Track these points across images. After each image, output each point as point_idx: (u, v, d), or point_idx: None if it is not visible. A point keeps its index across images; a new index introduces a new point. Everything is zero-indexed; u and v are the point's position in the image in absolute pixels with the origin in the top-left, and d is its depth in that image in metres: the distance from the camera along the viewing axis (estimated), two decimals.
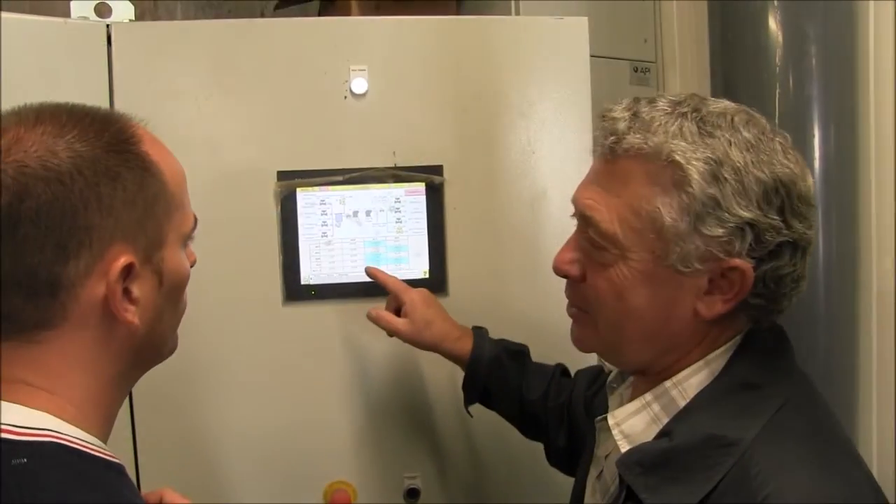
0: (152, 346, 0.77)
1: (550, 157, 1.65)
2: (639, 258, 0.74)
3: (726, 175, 0.71)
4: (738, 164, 0.72)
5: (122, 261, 0.70)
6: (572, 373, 1.32)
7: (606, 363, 1.04)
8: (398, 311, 1.33)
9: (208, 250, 1.25)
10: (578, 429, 1.16)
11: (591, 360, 1.40)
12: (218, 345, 1.55)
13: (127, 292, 0.72)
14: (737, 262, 0.73)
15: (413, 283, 1.67)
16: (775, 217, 0.73)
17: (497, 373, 1.25)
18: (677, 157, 0.71)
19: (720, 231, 0.71)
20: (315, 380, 1.59)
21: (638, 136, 0.74)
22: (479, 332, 1.32)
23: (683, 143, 0.72)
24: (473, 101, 1.60)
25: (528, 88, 1.58)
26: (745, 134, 0.74)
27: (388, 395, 1.59)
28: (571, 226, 0.93)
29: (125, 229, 0.71)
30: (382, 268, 1.56)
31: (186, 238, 0.80)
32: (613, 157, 0.77)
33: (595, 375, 1.18)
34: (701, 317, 0.75)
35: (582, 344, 0.88)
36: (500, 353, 1.26)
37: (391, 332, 1.31)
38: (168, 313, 0.79)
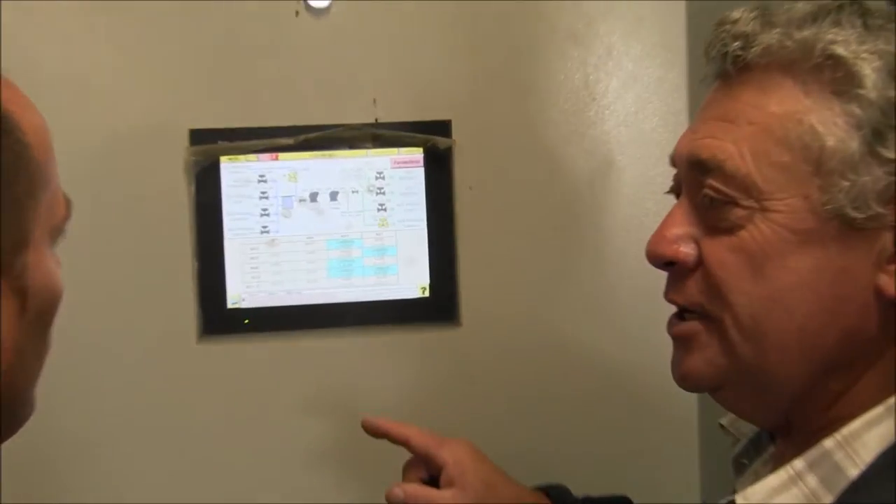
0: (3, 407, 0.56)
1: (621, 106, 1.15)
2: (786, 207, 0.55)
3: None
4: None
5: None
6: None
7: (730, 424, 0.74)
8: (433, 481, 0.80)
9: (85, 254, 1.04)
10: None
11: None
12: (97, 404, 1.08)
13: None
14: None
15: (406, 306, 1.07)
16: None
17: None
18: (839, 51, 0.55)
19: None
20: (248, 455, 1.11)
21: (776, 31, 0.56)
22: (558, 492, 0.84)
23: (844, 33, 0.55)
24: (496, 20, 1.12)
25: None
26: None
27: (352, 474, 1.10)
28: (656, 214, 0.66)
29: None
30: (355, 286, 0.95)
31: (57, 233, 0.58)
32: (740, 73, 0.58)
33: None
34: (886, 297, 0.55)
35: (699, 375, 0.60)
36: None
37: None
38: (30, 354, 0.57)
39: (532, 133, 1.12)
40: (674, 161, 0.61)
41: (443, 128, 1.10)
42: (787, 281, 0.56)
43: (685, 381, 0.62)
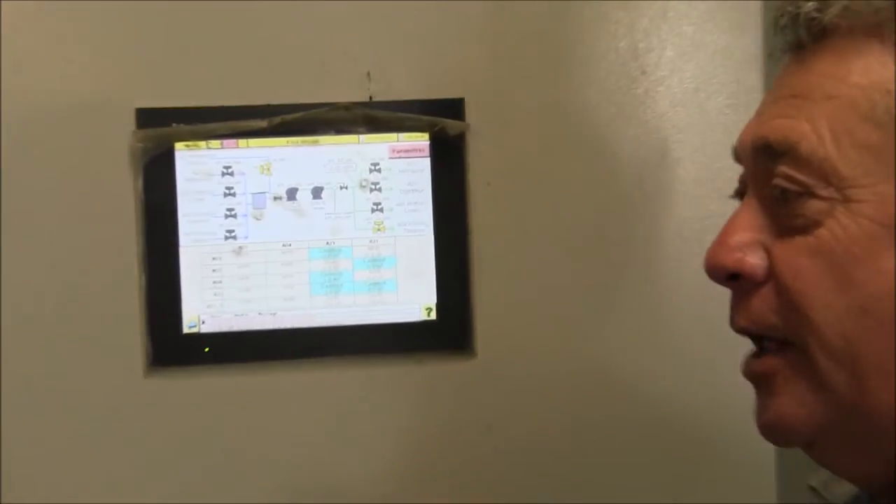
0: None
1: (678, 82, 0.92)
2: (874, 196, 0.48)
3: None
4: None
5: None
6: None
7: (823, 486, 0.70)
8: None
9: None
10: None
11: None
12: (23, 448, 0.87)
13: None
14: None
15: (407, 332, 0.88)
16: None
17: None
18: None
19: None
20: None
21: None
22: None
23: None
24: None
25: None
26: None
27: None
28: (722, 217, 0.52)
29: None
30: (343, 306, 0.81)
31: None
32: (815, 40, 0.51)
33: None
34: None
35: (788, 423, 0.52)
36: None
37: None
38: None
39: (566, 116, 0.89)
40: (737, 155, 0.54)
41: (454, 108, 0.88)
42: (879, 287, 0.50)
43: (771, 431, 0.54)
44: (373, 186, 0.88)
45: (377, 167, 0.88)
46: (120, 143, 0.85)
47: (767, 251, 0.53)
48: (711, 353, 0.87)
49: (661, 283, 0.89)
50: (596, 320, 0.90)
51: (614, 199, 0.90)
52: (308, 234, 0.88)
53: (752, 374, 0.54)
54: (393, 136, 0.88)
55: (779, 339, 0.52)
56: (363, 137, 0.88)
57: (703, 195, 0.89)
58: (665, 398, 0.89)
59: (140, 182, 0.86)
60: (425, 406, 0.89)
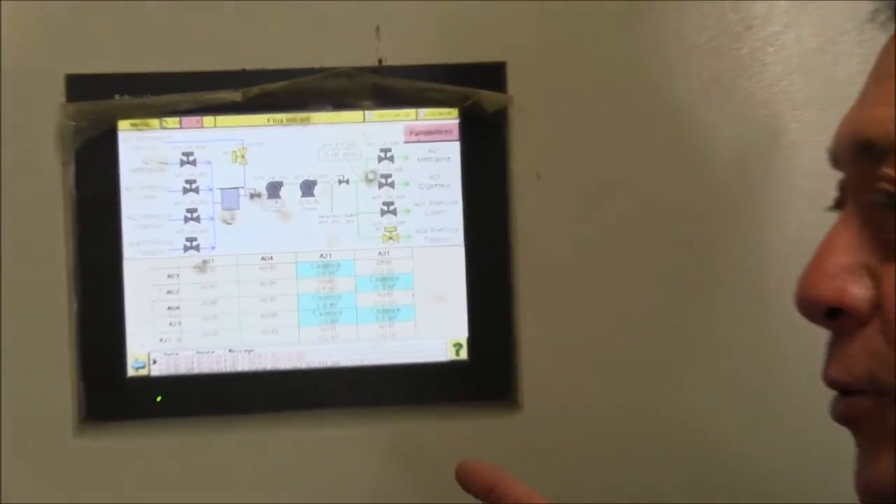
0: None
1: (793, 41, 0.69)
2: None
3: None
4: None
5: None
6: None
7: None
8: None
9: None
10: None
11: None
12: None
13: None
14: None
15: (429, 375, 0.68)
16: None
17: None
18: None
19: None
20: None
21: None
22: None
23: None
24: None
25: None
26: None
27: None
28: None
29: None
30: (343, 340, 0.66)
31: None
32: None
33: None
34: None
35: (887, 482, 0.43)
36: None
37: None
38: None
39: (641, 86, 0.67)
40: (835, 155, 0.44)
41: (492, 75, 0.66)
42: None
43: (872, 494, 0.45)
44: (383, 180, 0.66)
45: (388, 154, 0.66)
46: (44, 120, 0.64)
47: (874, 277, 0.43)
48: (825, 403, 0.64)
49: (772, 318, 0.66)
50: (679, 367, 0.67)
51: (707, 199, 0.67)
52: (296, 243, 0.65)
53: (842, 417, 0.45)
54: (410, 112, 0.66)
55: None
56: (370, 114, 0.66)
57: (827, 192, 0.66)
58: (768, 480, 0.66)
59: (71, 173, 0.64)
60: (451, 473, 0.67)
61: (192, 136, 0.65)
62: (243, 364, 0.65)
